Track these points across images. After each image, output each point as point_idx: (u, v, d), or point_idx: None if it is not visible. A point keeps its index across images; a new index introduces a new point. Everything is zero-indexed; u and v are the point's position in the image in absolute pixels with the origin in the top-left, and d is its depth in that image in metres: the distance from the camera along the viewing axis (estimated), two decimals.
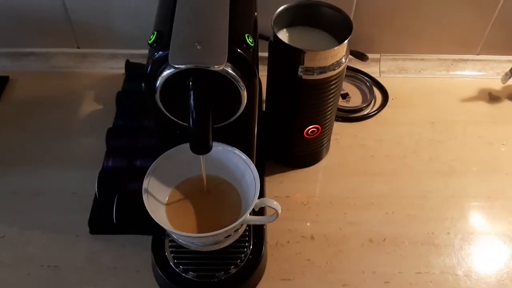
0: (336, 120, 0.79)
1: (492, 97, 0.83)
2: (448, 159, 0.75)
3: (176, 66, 0.42)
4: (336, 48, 0.58)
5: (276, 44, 0.60)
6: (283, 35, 0.63)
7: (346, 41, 0.58)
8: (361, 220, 0.67)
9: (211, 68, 0.42)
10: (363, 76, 0.85)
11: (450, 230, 0.66)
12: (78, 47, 0.87)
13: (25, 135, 0.76)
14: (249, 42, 0.45)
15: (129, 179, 0.66)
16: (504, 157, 0.75)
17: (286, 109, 0.66)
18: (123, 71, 0.82)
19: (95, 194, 0.66)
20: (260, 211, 0.53)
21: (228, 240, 0.53)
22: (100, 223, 0.65)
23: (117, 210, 0.63)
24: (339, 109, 0.80)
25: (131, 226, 0.64)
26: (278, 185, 0.71)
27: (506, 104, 0.83)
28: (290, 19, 0.63)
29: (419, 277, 0.62)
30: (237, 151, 0.51)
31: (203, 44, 0.43)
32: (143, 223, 0.62)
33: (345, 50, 0.60)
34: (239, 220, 0.46)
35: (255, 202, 0.48)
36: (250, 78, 0.46)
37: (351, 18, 0.81)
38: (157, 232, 0.61)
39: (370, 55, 0.87)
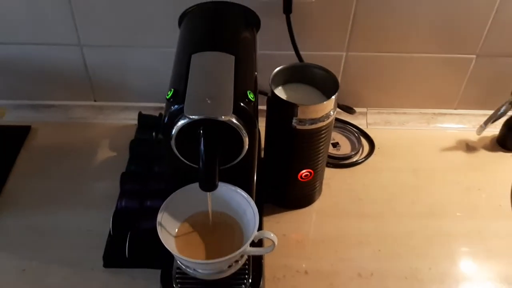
0: (328, 166, 0.87)
1: (469, 147, 0.92)
2: (429, 203, 0.82)
3: (191, 116, 0.50)
4: (325, 102, 0.67)
5: (273, 99, 0.69)
6: (280, 91, 0.72)
7: (333, 96, 0.67)
8: (350, 257, 0.74)
9: (219, 119, 0.50)
10: (351, 127, 0.94)
11: (432, 266, 0.73)
12: (95, 100, 0.96)
13: (45, 180, 0.83)
14: (251, 98, 0.54)
15: (140, 218, 0.73)
16: (480, 200, 0.83)
17: (282, 156, 0.74)
18: (135, 121, 0.91)
19: (109, 231, 0.73)
20: (259, 244, 0.60)
21: (230, 270, 0.60)
22: (113, 257, 0.71)
23: (129, 246, 0.70)
24: (331, 157, 0.88)
25: (142, 260, 0.70)
26: (275, 225, 0.78)
27: (481, 153, 0.91)
28: (286, 78, 0.73)
29: None
30: (240, 190, 0.59)
31: (213, 99, 0.51)
32: (153, 258, 0.69)
33: (333, 104, 0.69)
34: (240, 250, 0.53)
35: (254, 233, 0.55)
36: (251, 127, 0.55)
37: (340, 76, 0.93)
38: (166, 266, 0.67)
39: (358, 109, 0.97)
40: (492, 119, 0.88)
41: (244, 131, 0.53)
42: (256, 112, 0.58)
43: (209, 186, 0.53)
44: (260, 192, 0.80)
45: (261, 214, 0.78)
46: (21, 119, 0.93)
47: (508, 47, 0.88)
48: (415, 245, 0.76)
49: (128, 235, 0.71)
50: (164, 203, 0.58)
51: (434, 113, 0.97)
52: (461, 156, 0.90)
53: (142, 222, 0.73)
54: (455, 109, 0.97)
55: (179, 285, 0.65)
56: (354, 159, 0.89)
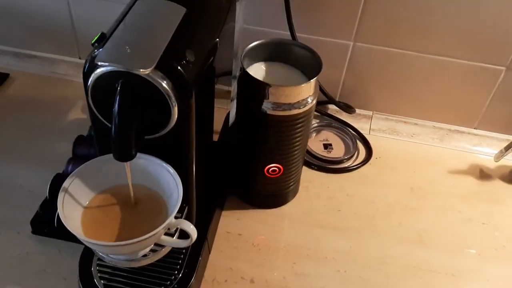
0: (312, 168, 0.76)
1: (483, 174, 0.79)
2: (418, 228, 0.70)
3: (100, 65, 0.41)
4: (303, 85, 0.57)
5: (243, 77, 0.60)
6: (254, 70, 0.62)
7: (313, 80, 0.57)
8: (309, 273, 0.63)
9: (135, 71, 0.41)
10: (350, 130, 0.83)
11: None
12: (79, 57, 0.90)
13: (7, 129, 0.78)
14: (189, 59, 0.45)
15: None
16: (480, 236, 0.70)
17: (249, 144, 0.65)
18: None
19: (46, 196, 0.66)
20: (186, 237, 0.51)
21: (145, 260, 0.51)
22: (42, 224, 0.64)
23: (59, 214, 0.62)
24: (318, 158, 0.77)
25: (70, 233, 0.62)
26: (234, 221, 0.68)
27: (496, 183, 0.77)
28: (264, 55, 0.63)
29: None
30: (166, 165, 0.49)
31: (135, 49, 0.42)
32: None
33: (312, 88, 0.58)
34: (145, 236, 0.44)
35: (169, 220, 0.46)
36: (186, 96, 0.45)
37: (344, 70, 0.81)
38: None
39: (363, 112, 0.85)
40: None
41: (172, 96, 0.44)
42: (198, 81, 0.48)
43: (121, 153, 0.45)
44: (225, 182, 0.71)
45: (221, 207, 0.69)
46: (1, 66, 0.89)
47: None
48: (389, 274, 0.64)
49: None
50: (78, 168, 0.50)
51: (450, 130, 0.84)
52: (471, 183, 0.77)
53: None
54: (475, 128, 0.84)
55: (98, 267, 0.57)
56: (345, 165, 0.78)
